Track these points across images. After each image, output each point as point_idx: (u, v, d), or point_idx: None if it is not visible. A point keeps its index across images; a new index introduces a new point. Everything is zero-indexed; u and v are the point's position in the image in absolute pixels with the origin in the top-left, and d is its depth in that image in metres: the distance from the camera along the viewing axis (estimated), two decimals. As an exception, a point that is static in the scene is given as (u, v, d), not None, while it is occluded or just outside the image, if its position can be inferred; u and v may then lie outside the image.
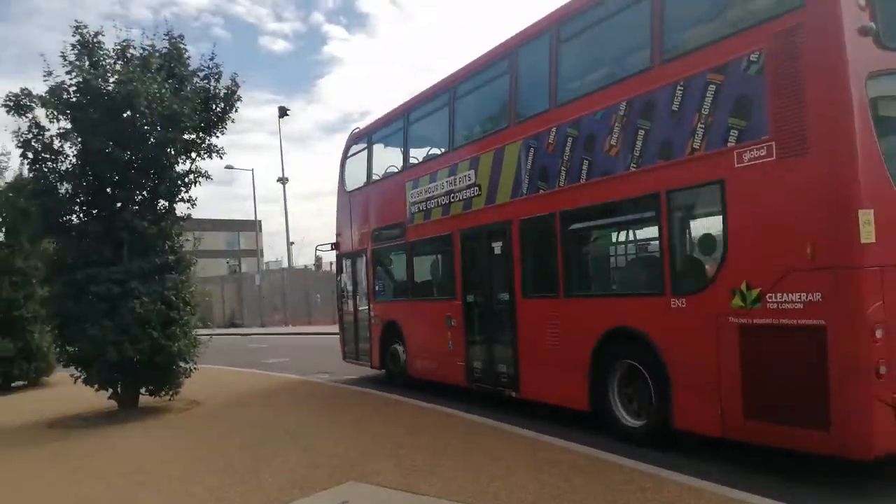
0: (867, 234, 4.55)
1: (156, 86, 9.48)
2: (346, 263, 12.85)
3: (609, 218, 7.10)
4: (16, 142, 9.79)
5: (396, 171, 10.92)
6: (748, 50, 5.28)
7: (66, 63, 9.38)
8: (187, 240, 11.23)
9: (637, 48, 6.57)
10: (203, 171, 10.77)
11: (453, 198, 9.20)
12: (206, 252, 65.73)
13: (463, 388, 9.15)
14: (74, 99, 9.40)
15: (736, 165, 5.35)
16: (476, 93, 9.19)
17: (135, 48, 10.00)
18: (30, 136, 9.80)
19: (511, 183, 8.01)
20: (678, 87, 5.84)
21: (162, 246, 10.02)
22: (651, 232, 6.52)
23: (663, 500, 4.58)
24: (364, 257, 11.88)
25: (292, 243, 72.05)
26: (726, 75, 5.46)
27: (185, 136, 10.31)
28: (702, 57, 5.70)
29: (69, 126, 9.65)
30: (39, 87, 9.85)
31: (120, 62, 9.77)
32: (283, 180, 38.26)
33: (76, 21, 9.76)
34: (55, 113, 9.54)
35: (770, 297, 5.06)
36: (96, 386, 9.67)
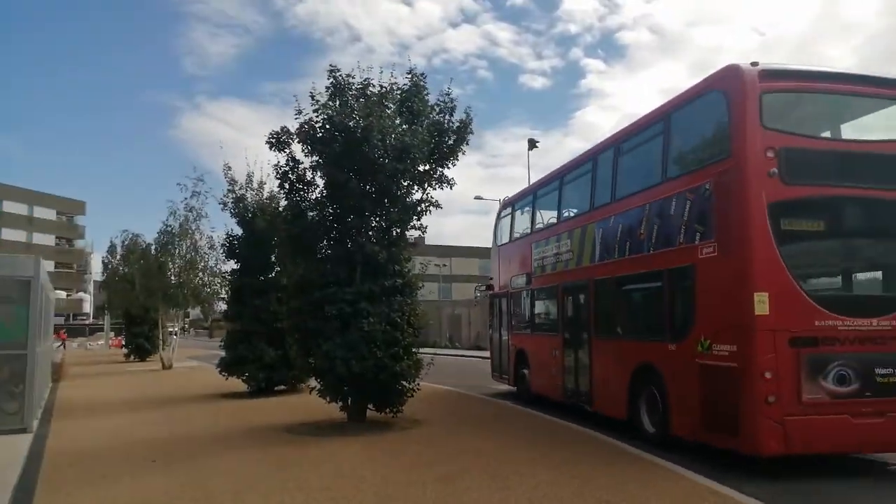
0: (761, 308, 7.01)
1: (388, 120, 10.09)
2: (495, 302, 16.25)
3: (643, 283, 9.67)
4: (275, 174, 11.09)
5: (527, 233, 14.34)
6: (706, 180, 7.97)
7: (314, 102, 10.38)
8: (421, 264, 11.77)
9: (653, 169, 9.37)
10: (434, 201, 11.21)
11: (558, 258, 12.42)
12: (459, 277, 69.28)
13: (560, 403, 12.08)
14: (320, 134, 10.36)
15: (700, 256, 7.99)
16: (572, 184, 12.43)
17: (374, 86, 10.75)
18: (286, 168, 11.04)
19: (590, 252, 11.12)
20: (676, 198, 8.57)
21: (391, 270, 10.56)
22: (664, 295, 8.89)
23: None
24: (506, 298, 15.33)
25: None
26: (696, 195, 8.14)
27: (418, 168, 10.84)
28: (685, 180, 8.50)
29: (318, 160, 10.68)
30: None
31: (361, 99, 10.55)
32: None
33: (331, 65, 10.79)
34: (309, 148, 10.62)
35: (713, 346, 7.68)
36: (328, 398, 10.41)
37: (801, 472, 7.27)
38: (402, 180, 10.62)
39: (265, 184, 16.64)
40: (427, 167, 11.18)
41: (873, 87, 8.11)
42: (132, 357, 31.83)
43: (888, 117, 8.24)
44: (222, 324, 21.64)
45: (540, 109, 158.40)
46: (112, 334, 49.95)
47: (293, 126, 10.73)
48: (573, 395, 11.58)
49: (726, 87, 7.86)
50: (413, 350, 10.44)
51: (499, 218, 16.25)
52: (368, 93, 10.64)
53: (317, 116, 10.38)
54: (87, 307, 79.91)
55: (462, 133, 11.39)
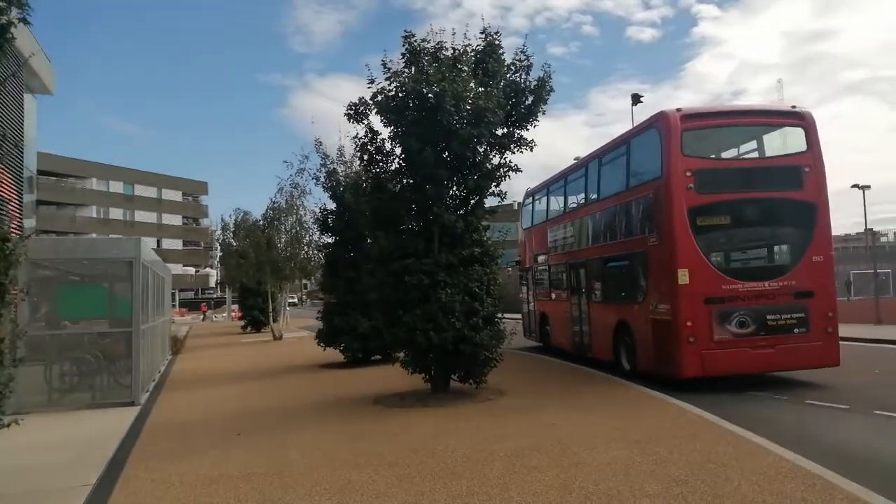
0: (683, 279, 10.28)
1: (461, 84, 9.72)
2: (524, 275, 19.49)
3: (619, 262, 12.67)
4: (354, 146, 11.06)
5: (544, 220, 17.55)
6: (649, 191, 11.25)
7: (385, 70, 10.18)
8: (499, 231, 11.47)
9: (621, 178, 12.63)
10: (513, 165, 10.83)
11: (566, 241, 15.65)
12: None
13: (570, 353, 15.28)
14: (394, 103, 10.16)
15: (648, 244, 11.26)
16: (573, 183, 15.67)
17: (447, 49, 10.39)
18: (365, 140, 10.96)
19: (585, 237, 14.37)
20: (634, 202, 11.84)
21: (469, 239, 10.31)
22: (630, 272, 12.12)
23: None
24: (531, 272, 18.62)
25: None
26: (644, 201, 11.44)
27: (495, 132, 10.45)
28: (639, 190, 11.73)
29: (396, 129, 10.50)
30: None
31: (434, 65, 10.22)
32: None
33: (405, 31, 10.53)
34: (388, 117, 10.44)
35: (658, 306, 10.95)
36: (411, 369, 10.39)
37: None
38: (478, 146, 10.27)
39: (355, 157, 16.79)
40: (505, 130, 10.79)
41: (761, 117, 11.84)
42: (248, 329, 33.63)
43: (772, 138, 11.79)
44: (321, 295, 22.31)
45: (648, 63, 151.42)
46: (235, 307, 53.07)
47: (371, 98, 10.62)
48: (579, 347, 14.84)
49: (659, 126, 11.15)
50: (495, 319, 10.20)
51: (523, 205, 19.64)
52: (441, 57, 10.32)
53: (389, 85, 10.19)
54: (213, 282, 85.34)
55: (540, 92, 10.89)
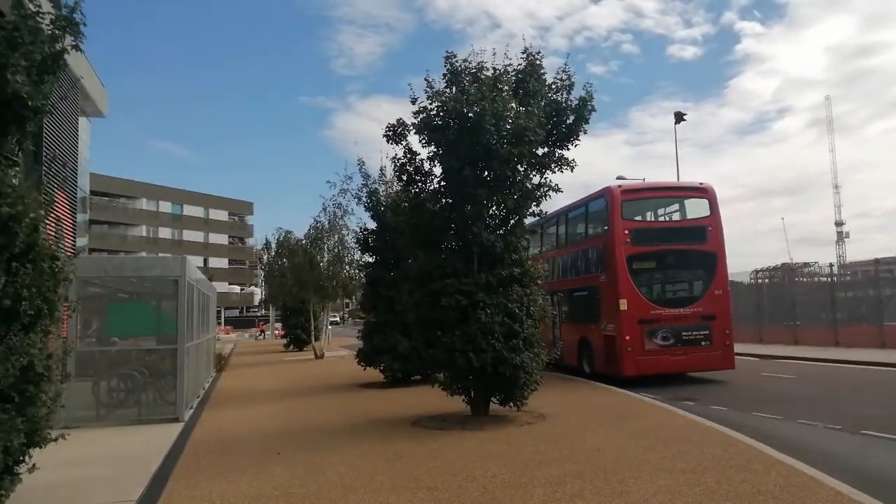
0: (623, 306, 14.61)
1: (502, 104, 9.71)
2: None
3: (581, 293, 17.03)
4: (393, 166, 11.13)
5: (537, 253, 18.35)
6: (600, 242, 15.90)
7: (428, 90, 10.24)
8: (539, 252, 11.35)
9: (582, 231, 17.77)
10: (554, 185, 10.76)
11: (550, 273, 18.18)
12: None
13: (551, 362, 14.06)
14: (435, 123, 10.19)
15: (600, 280, 15.69)
16: (552, 227, 19.19)
17: (487, 69, 10.41)
18: (405, 160, 11.02)
19: (559, 272, 18.45)
20: (591, 248, 16.59)
21: (509, 259, 10.23)
22: (589, 300, 16.37)
23: None
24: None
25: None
26: (597, 249, 16.05)
27: (536, 151, 10.40)
28: (594, 240, 16.61)
29: (436, 149, 10.52)
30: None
31: (475, 85, 10.24)
32: (677, 188, 36.84)
33: (447, 52, 10.59)
34: (425, 138, 10.49)
35: (607, 326, 15.21)
36: (450, 391, 10.29)
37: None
38: (518, 165, 10.23)
39: (395, 177, 16.92)
40: (545, 150, 10.73)
41: (677, 192, 16.95)
42: (290, 347, 33.97)
43: (682, 206, 16.57)
44: (362, 314, 22.48)
45: (690, 81, 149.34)
46: (279, 325, 53.77)
47: (410, 119, 10.71)
48: (559, 357, 15.30)
49: (607, 197, 15.56)
50: (534, 342, 10.06)
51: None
52: (482, 77, 10.34)
53: (431, 104, 10.24)
54: (258, 300, 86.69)
55: (582, 111, 10.82)
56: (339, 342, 38.40)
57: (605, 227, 15.60)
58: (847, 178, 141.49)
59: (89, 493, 6.69)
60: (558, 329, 18.23)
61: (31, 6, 5.27)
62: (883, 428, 8.91)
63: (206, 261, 75.01)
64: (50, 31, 5.36)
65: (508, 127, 9.83)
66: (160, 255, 56.81)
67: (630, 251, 14.81)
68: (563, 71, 11.06)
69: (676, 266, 15.63)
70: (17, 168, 5.43)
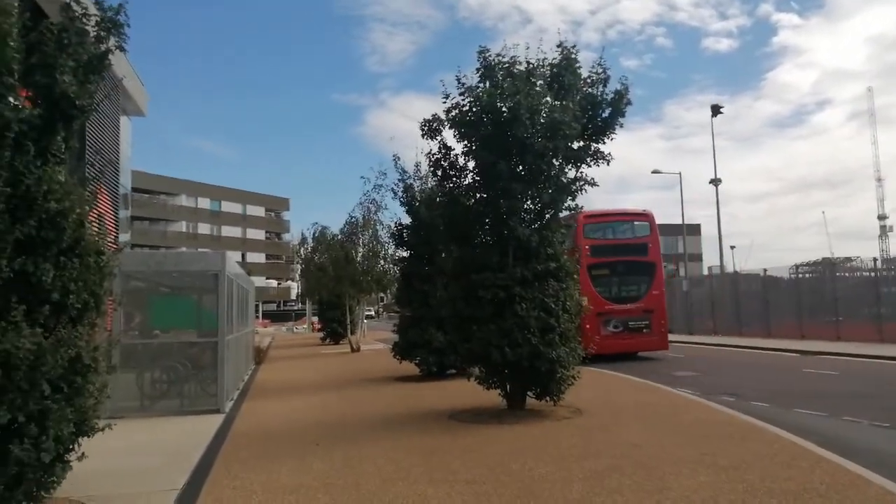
0: (585, 303, 11.36)
1: (536, 98, 9.65)
2: None
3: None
4: (428, 161, 11.14)
5: None
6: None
7: (460, 86, 10.22)
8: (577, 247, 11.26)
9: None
10: (590, 179, 10.65)
11: None
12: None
13: None
14: (469, 118, 10.17)
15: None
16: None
17: (521, 63, 10.34)
18: (439, 155, 11.03)
19: None
20: None
21: (544, 253, 10.17)
22: None
23: None
24: None
25: (733, 248, 68.03)
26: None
27: (571, 145, 10.31)
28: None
29: (470, 144, 10.50)
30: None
31: (508, 79, 10.18)
32: (715, 182, 36.41)
33: (480, 46, 10.56)
34: (459, 133, 10.48)
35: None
36: (486, 385, 10.29)
37: (816, 410, 10.44)
38: (553, 159, 10.15)
39: (430, 173, 16.94)
40: (581, 143, 10.63)
41: (625, 217, 22.30)
42: (327, 340, 34.35)
43: (632, 227, 21.80)
44: (396, 308, 22.67)
45: (726, 74, 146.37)
46: (315, 318, 54.35)
47: (444, 114, 10.69)
48: None
49: (576, 222, 17.36)
50: (571, 336, 9.99)
51: None
52: (515, 71, 10.27)
53: (463, 100, 10.22)
54: (294, 294, 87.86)
55: (617, 105, 10.70)
56: (374, 336, 38.69)
57: (573, 243, 18.56)
58: (890, 170, 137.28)
59: (135, 481, 6.86)
60: None
61: (78, 9, 5.41)
62: (933, 426, 8.65)
63: (243, 256, 76.28)
64: (95, 33, 5.50)
65: (543, 121, 9.76)
66: (199, 250, 57.90)
67: (590, 261, 19.22)
68: (599, 64, 10.96)
69: (624, 273, 20.72)
70: (64, 165, 5.58)
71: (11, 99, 4.90)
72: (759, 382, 14.32)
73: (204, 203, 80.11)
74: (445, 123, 10.68)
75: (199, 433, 9.39)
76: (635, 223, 21.91)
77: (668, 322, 36.41)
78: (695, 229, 70.55)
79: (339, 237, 28.14)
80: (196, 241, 74.96)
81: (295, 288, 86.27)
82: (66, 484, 5.61)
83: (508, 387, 10.31)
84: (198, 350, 12.30)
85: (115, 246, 11.70)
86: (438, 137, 10.95)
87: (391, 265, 25.51)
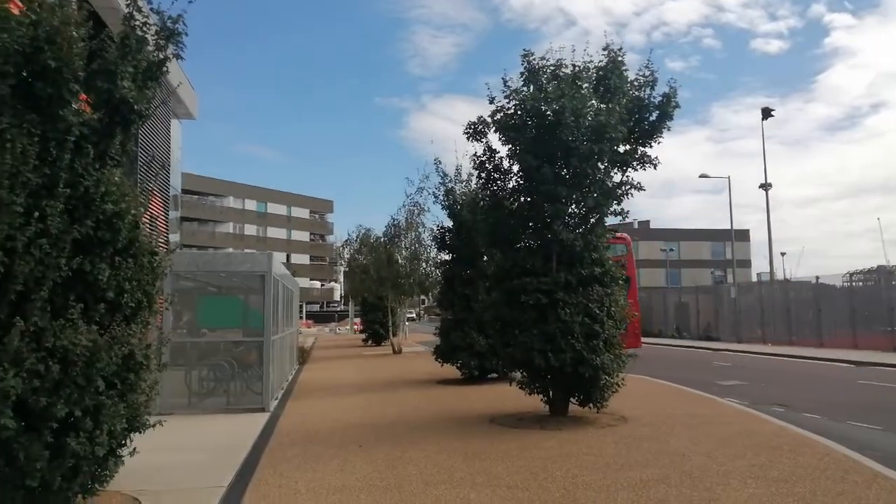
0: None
1: (581, 101, 9.57)
2: None
3: None
4: (472, 164, 11.15)
5: None
6: None
7: (505, 88, 10.20)
8: (621, 252, 11.13)
9: None
10: (636, 183, 10.53)
11: None
12: (688, 262, 65.82)
13: None
14: (513, 121, 10.15)
15: None
16: None
17: (566, 66, 10.27)
18: (483, 158, 11.02)
19: None
20: None
21: (589, 258, 10.06)
22: None
23: None
24: None
25: (783, 254, 66.18)
26: None
27: (617, 149, 10.20)
28: None
29: (514, 147, 10.46)
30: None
31: (553, 82, 10.12)
32: (765, 186, 35.48)
33: (524, 50, 10.54)
34: (506, 135, 10.46)
35: None
36: (528, 390, 10.23)
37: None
38: (598, 163, 10.05)
39: (472, 175, 16.95)
40: (627, 147, 10.50)
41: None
42: (369, 342, 34.63)
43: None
44: (437, 311, 22.70)
45: (775, 76, 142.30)
46: (358, 320, 54.84)
47: (489, 117, 10.69)
48: None
49: None
50: (616, 343, 9.85)
51: None
52: (561, 74, 10.21)
53: (508, 103, 10.20)
54: (338, 295, 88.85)
55: (665, 108, 10.54)
56: (415, 338, 38.85)
57: None
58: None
59: (184, 477, 7.02)
60: None
61: (140, 18, 5.58)
62: None
63: (288, 257, 77.47)
64: (154, 41, 5.67)
65: (588, 124, 9.67)
66: (246, 250, 59.05)
67: None
68: (646, 66, 10.82)
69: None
70: (121, 168, 5.75)
71: (74, 104, 5.07)
72: (810, 393, 13.91)
73: (251, 205, 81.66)
74: (490, 126, 10.69)
75: (245, 431, 9.56)
76: (616, 245, 22.65)
77: (715, 329, 36.28)
78: (743, 235, 69.16)
79: (383, 239, 28.37)
80: (243, 242, 76.46)
81: (338, 289, 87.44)
82: (118, 478, 5.77)
83: (551, 392, 10.22)
84: (244, 349, 12.54)
85: (166, 247, 12.02)
86: (483, 140, 10.96)
87: (433, 268, 25.59)
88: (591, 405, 9.99)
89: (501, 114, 10.24)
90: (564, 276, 9.76)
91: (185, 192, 37.48)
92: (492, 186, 11.02)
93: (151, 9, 5.81)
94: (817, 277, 30.21)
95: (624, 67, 10.51)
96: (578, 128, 9.56)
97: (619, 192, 10.36)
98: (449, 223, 16.97)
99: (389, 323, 30.55)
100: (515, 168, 10.67)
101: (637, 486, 6.27)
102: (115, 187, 5.41)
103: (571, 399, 10.20)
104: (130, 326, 5.50)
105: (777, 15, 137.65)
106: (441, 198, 17.11)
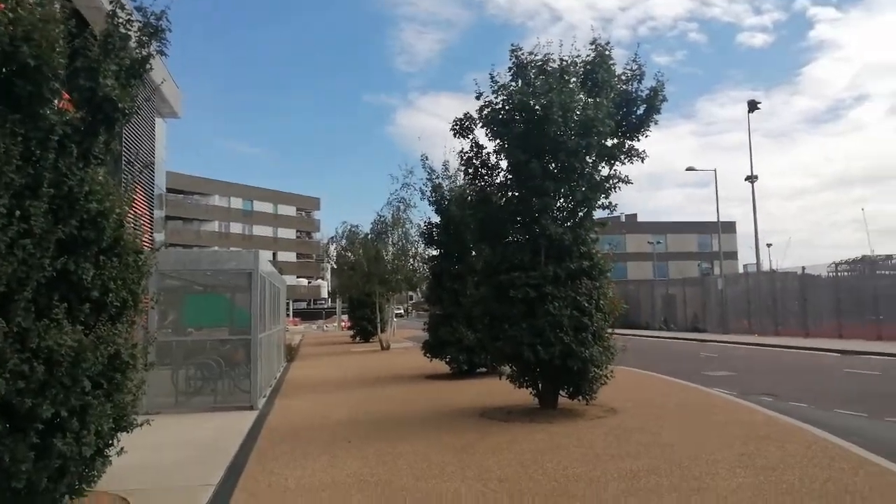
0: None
1: (569, 95, 9.58)
2: None
3: None
4: (459, 160, 11.13)
5: None
6: None
7: (493, 84, 10.19)
8: (609, 244, 11.18)
9: None
10: (623, 177, 10.55)
11: None
12: (675, 254, 66.31)
13: None
14: (501, 116, 10.14)
15: None
16: None
17: (554, 61, 10.27)
18: (471, 154, 11.01)
19: None
20: None
21: (577, 252, 10.08)
22: None
23: None
24: None
25: (769, 245, 66.79)
26: None
27: (605, 142, 10.22)
28: None
29: (502, 142, 10.46)
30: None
31: (541, 77, 10.11)
32: (751, 178, 35.81)
33: (512, 45, 10.53)
34: (492, 131, 10.45)
35: None
36: (517, 383, 10.25)
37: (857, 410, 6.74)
38: (586, 157, 10.06)
39: (459, 171, 16.93)
40: (615, 141, 10.53)
41: None
42: (357, 338, 34.57)
43: None
44: (425, 307, 22.69)
45: (761, 69, 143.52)
46: (345, 317, 54.76)
47: (475, 113, 10.67)
48: None
49: None
50: (604, 335, 9.89)
51: None
52: (548, 69, 10.21)
53: (496, 98, 10.19)
54: (325, 293, 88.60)
55: (652, 101, 10.59)
56: (403, 334, 38.84)
57: None
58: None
59: (173, 475, 6.98)
60: None
61: (123, 15, 5.52)
62: (981, 428, 8.39)
63: (275, 254, 77.12)
64: (137, 38, 5.60)
65: (576, 118, 9.69)
66: (232, 249, 58.72)
67: None
68: (634, 60, 10.88)
69: None
70: (104, 167, 5.68)
71: (56, 102, 5.01)
72: (797, 382, 14.04)
73: (236, 203, 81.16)
74: (477, 122, 10.68)
75: (233, 429, 9.51)
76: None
77: (702, 320, 36.52)
78: (730, 227, 69.60)
79: (370, 235, 28.31)
80: (228, 240, 75.99)
81: (325, 286, 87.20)
82: (105, 478, 5.72)
83: (540, 386, 10.25)
84: (231, 347, 12.47)
85: (151, 245, 11.92)
86: (470, 136, 10.95)
87: (421, 263, 25.58)
88: (580, 398, 10.03)
89: (489, 109, 10.23)
90: (553, 269, 9.78)
91: (169, 190, 37.22)
92: (480, 181, 11.02)
93: (135, 6, 5.74)
94: (803, 268, 30.49)
95: (611, 61, 10.53)
96: (566, 122, 9.57)
97: (607, 185, 10.39)
98: (436, 219, 16.95)
99: (377, 319, 30.50)
100: (503, 163, 10.69)
101: (627, 477, 6.30)
102: (99, 186, 5.35)
103: (561, 392, 10.23)
104: (116, 326, 5.43)
105: (762, 9, 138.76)
106: (428, 193, 17.09)
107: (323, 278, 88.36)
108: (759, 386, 13.35)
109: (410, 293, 48.08)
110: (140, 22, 5.65)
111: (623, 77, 10.75)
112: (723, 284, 35.69)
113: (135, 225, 6.23)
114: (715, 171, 40.04)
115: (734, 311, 34.28)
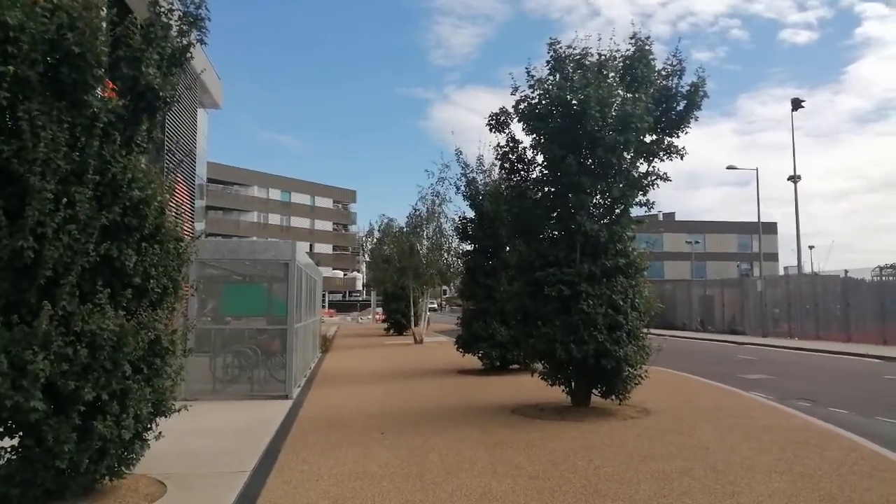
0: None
1: (607, 90, 9.46)
2: None
3: None
4: (495, 155, 11.09)
5: None
6: None
7: (529, 78, 10.11)
8: (646, 242, 11.05)
9: None
10: (662, 174, 10.40)
11: None
12: (714, 254, 65.11)
13: None
14: (538, 111, 10.06)
15: None
16: None
17: (592, 55, 10.16)
18: (507, 149, 10.96)
19: None
20: None
21: (613, 249, 9.96)
22: None
23: None
24: None
25: (811, 247, 65.21)
26: None
27: (643, 139, 10.08)
28: None
29: (538, 137, 10.38)
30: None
31: (579, 71, 10.01)
32: (794, 178, 34.92)
33: (551, 38, 10.44)
34: (528, 126, 10.38)
35: None
36: (550, 381, 10.19)
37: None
38: (624, 153, 9.93)
39: (494, 166, 16.87)
40: (654, 137, 10.38)
41: None
42: (390, 331, 34.77)
43: None
44: (459, 302, 22.68)
45: (804, 67, 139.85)
46: (379, 310, 55.06)
47: (511, 107, 10.61)
48: None
49: None
50: (639, 335, 9.77)
51: None
52: (586, 63, 10.10)
53: (532, 92, 10.12)
54: (360, 285, 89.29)
55: (693, 97, 10.40)
56: (436, 328, 38.93)
57: None
58: None
59: (209, 461, 7.11)
60: None
61: (164, 4, 5.62)
62: None
63: (311, 246, 77.88)
64: (178, 27, 5.70)
65: (614, 113, 9.57)
66: (270, 239, 59.52)
67: None
68: (674, 55, 10.68)
69: None
70: (147, 155, 5.80)
71: (99, 90, 5.13)
72: (837, 388, 13.68)
73: (275, 194, 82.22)
74: (514, 117, 10.62)
75: (268, 418, 9.65)
76: None
77: (740, 323, 35.82)
78: (770, 228, 68.16)
79: (405, 229, 28.41)
80: (266, 231, 77.07)
81: (360, 279, 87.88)
82: (143, 461, 5.86)
83: (573, 384, 10.18)
84: (268, 337, 12.65)
85: (189, 234, 12.16)
86: (506, 130, 10.90)
87: (455, 258, 25.58)
88: (613, 397, 9.94)
89: (526, 103, 10.16)
90: (588, 267, 9.68)
91: (210, 181, 37.91)
92: (515, 177, 10.96)
93: (176, -5, 5.85)
94: (846, 271, 29.65)
95: (651, 56, 10.37)
96: (604, 117, 9.46)
97: (645, 182, 10.24)
98: (471, 213, 16.92)
99: (411, 313, 30.62)
100: (539, 158, 10.61)
101: (659, 478, 6.22)
102: (141, 174, 5.48)
103: (593, 390, 10.14)
104: (156, 312, 5.57)
105: (806, 5, 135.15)
106: (462, 188, 17.05)
107: (358, 271, 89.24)
108: (798, 390, 13.05)
109: (444, 288, 48.09)
110: (180, 11, 5.75)
111: (663, 72, 10.58)
112: (762, 286, 34.90)
113: (176, 213, 6.35)
114: (756, 170, 39.12)
115: (773, 314, 33.53)
